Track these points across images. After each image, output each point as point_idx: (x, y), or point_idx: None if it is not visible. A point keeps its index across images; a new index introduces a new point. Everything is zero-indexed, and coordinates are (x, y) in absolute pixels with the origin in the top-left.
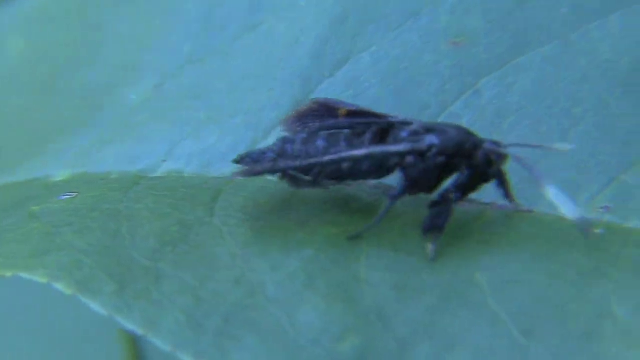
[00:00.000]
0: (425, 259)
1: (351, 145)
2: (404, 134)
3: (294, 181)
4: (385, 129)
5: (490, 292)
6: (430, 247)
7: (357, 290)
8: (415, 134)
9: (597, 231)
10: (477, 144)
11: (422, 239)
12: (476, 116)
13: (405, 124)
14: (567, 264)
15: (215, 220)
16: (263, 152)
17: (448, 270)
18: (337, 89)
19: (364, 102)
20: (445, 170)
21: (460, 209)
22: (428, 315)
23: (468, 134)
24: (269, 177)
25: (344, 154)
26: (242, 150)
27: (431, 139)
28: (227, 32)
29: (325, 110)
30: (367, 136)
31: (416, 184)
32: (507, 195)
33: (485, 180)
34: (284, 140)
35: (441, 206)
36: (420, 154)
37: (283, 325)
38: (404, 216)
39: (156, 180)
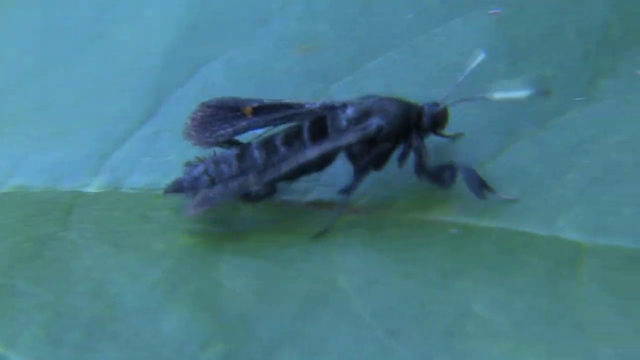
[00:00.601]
0: (286, 265)
1: (293, 148)
2: (343, 122)
3: (249, 199)
4: (317, 119)
5: (353, 294)
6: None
7: (219, 298)
8: (355, 119)
9: (453, 231)
10: (419, 111)
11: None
12: None
13: (332, 108)
14: (428, 264)
15: (70, 234)
16: (195, 178)
17: (310, 274)
18: (190, 98)
19: None
20: (395, 145)
21: (320, 212)
22: (292, 320)
23: (406, 104)
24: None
25: (300, 160)
26: (92, 162)
27: (376, 122)
28: (70, 44)
29: (226, 111)
30: (305, 134)
31: (366, 168)
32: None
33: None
34: (214, 160)
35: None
36: (369, 139)
37: (145, 335)
38: (261, 224)
39: (3, 196)
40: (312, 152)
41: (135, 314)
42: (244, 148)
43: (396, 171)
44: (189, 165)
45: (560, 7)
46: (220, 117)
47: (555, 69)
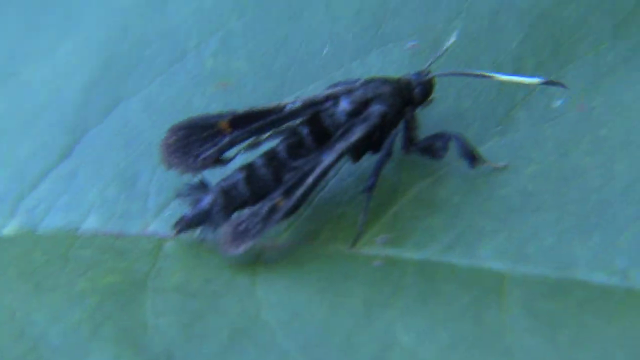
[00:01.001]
0: (211, 300)
1: (300, 156)
2: (342, 117)
3: (284, 216)
4: (310, 120)
5: (278, 328)
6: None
7: (145, 335)
8: (355, 111)
9: (377, 263)
10: (409, 85)
11: None
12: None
13: (315, 104)
14: (352, 296)
15: None
16: (206, 211)
17: (234, 309)
18: (107, 135)
19: (139, 148)
20: (396, 123)
21: (242, 249)
22: (218, 356)
23: (397, 80)
24: None
25: (321, 168)
26: (7, 204)
27: (378, 108)
28: None
29: (200, 131)
30: (308, 140)
31: (384, 160)
32: None
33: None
34: (223, 189)
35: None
36: (376, 127)
37: None
38: (185, 259)
39: None
40: (330, 158)
41: (59, 354)
42: (248, 169)
43: (321, 204)
44: (189, 197)
45: (475, 39)
46: (196, 138)
47: (472, 100)
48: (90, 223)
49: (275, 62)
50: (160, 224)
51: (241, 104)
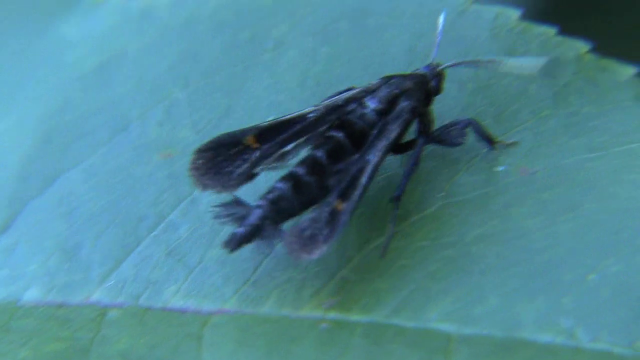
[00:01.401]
0: None
1: (342, 161)
2: (372, 116)
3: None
4: (342, 124)
5: None
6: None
7: None
8: (384, 109)
9: (323, 326)
10: (425, 77)
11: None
12: (195, 224)
13: (338, 108)
14: (299, 358)
15: None
16: (258, 225)
17: None
18: (48, 206)
19: (81, 217)
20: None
21: (187, 315)
22: None
23: (416, 75)
24: None
25: (372, 168)
26: None
27: (407, 104)
28: None
29: (226, 149)
30: (347, 144)
31: (414, 165)
32: None
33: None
34: (271, 201)
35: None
36: (410, 122)
37: None
38: (129, 327)
39: None
40: (376, 157)
41: None
42: (293, 178)
43: (267, 270)
44: (230, 217)
45: None
46: (224, 157)
47: None
48: (32, 294)
49: (219, 131)
50: (104, 293)
51: (186, 172)
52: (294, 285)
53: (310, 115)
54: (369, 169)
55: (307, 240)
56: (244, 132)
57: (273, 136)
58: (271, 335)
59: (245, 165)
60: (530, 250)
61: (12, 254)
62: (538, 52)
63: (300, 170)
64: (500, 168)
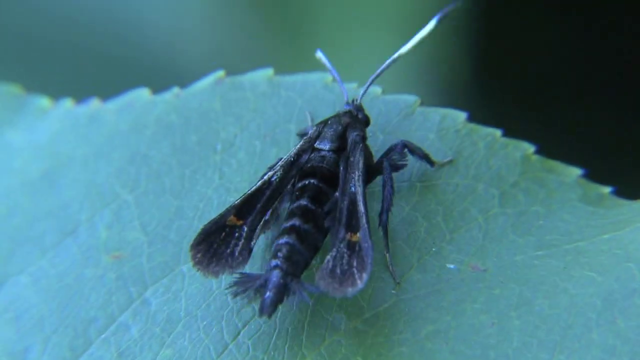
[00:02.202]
0: None
1: (325, 201)
2: (331, 156)
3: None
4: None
5: None
6: None
7: None
8: (338, 147)
9: None
10: (352, 113)
11: None
12: (147, 324)
13: (294, 163)
14: None
15: None
16: (284, 284)
17: None
18: None
19: (30, 321)
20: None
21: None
22: None
23: (345, 112)
24: None
25: (362, 195)
26: None
27: (355, 134)
28: None
29: (216, 235)
30: (322, 185)
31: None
32: None
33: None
34: (285, 258)
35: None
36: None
37: None
38: None
39: None
40: (359, 187)
41: None
42: (294, 231)
43: None
44: (249, 289)
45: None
46: (218, 244)
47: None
48: None
49: (170, 232)
50: None
51: (136, 273)
52: None
53: (273, 179)
54: (359, 199)
55: (342, 277)
56: (223, 216)
57: (251, 209)
58: None
59: (241, 242)
60: (483, 345)
61: None
62: (485, 153)
63: (297, 222)
64: (450, 266)
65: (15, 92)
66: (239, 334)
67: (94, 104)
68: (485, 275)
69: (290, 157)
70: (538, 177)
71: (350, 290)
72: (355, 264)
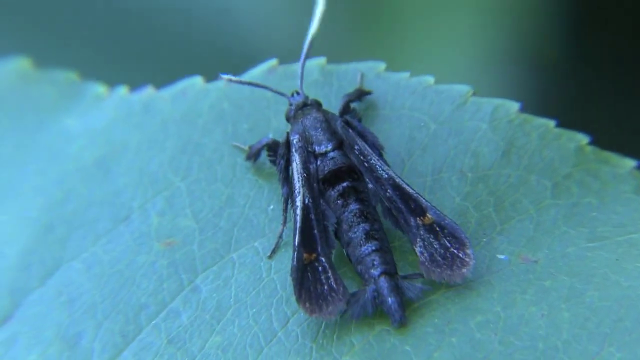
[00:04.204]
0: None
1: (365, 193)
2: (332, 153)
3: None
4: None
5: None
6: None
7: None
8: (334, 145)
9: None
10: (308, 99)
11: None
12: (196, 312)
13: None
14: None
15: None
16: (395, 286)
17: None
18: (49, 297)
19: (82, 307)
20: None
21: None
22: None
23: (313, 103)
24: None
25: (397, 173)
26: None
27: (339, 121)
28: None
29: (306, 278)
30: (351, 184)
31: None
32: None
33: None
34: (378, 252)
35: None
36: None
37: None
38: None
39: None
40: (389, 169)
41: None
42: (369, 237)
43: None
44: (356, 305)
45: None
46: (314, 285)
47: None
48: None
49: (221, 220)
50: None
51: (187, 260)
52: None
53: (307, 202)
54: (399, 181)
55: (447, 262)
56: (297, 259)
57: (312, 239)
58: None
59: (330, 272)
60: (533, 336)
61: (12, 346)
62: (538, 143)
63: (367, 227)
64: (501, 257)
65: (73, 78)
66: (288, 322)
67: (148, 91)
68: (536, 267)
69: (301, 175)
70: (592, 169)
71: (465, 272)
72: (449, 244)
